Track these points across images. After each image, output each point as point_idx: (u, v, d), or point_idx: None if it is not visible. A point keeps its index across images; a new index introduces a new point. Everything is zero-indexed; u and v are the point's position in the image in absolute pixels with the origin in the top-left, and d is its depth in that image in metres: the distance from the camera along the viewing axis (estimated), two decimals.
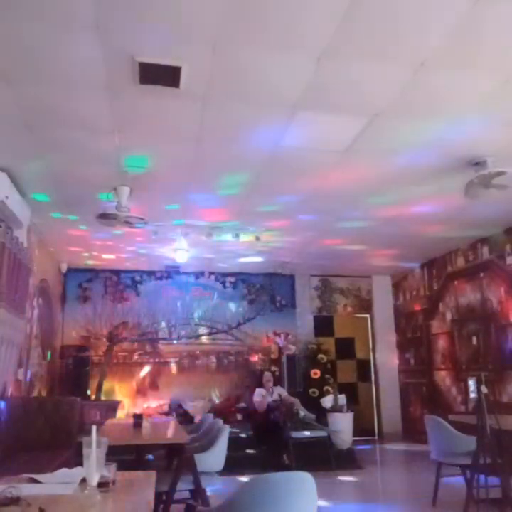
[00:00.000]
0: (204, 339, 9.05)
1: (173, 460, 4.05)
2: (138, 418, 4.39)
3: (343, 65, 3.07)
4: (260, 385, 7.81)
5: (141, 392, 8.63)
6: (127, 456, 3.67)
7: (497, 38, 2.84)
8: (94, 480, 1.84)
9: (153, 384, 8.71)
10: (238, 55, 2.96)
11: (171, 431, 4.42)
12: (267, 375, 7.89)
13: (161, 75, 3.11)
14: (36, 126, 3.78)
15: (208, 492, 3.99)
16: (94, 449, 1.84)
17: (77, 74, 3.12)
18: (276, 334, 9.14)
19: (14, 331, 5.61)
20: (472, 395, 7.30)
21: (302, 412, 7.26)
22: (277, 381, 8.25)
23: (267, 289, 9.37)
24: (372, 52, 2.95)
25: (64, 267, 8.44)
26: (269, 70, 3.11)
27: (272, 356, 9.06)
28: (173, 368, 8.85)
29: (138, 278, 9.00)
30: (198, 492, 3.82)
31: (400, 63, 3.06)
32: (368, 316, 9.84)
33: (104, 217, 4.96)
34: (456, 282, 7.88)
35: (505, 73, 3.16)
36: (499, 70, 3.14)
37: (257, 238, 6.67)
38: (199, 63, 3.02)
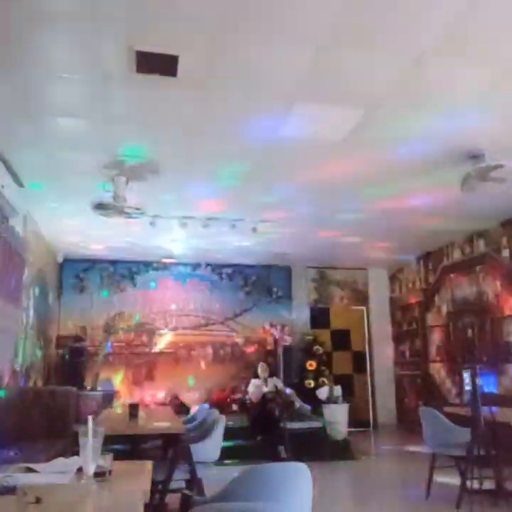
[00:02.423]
0: (200, 330, 9.06)
1: (169, 450, 4.06)
2: (134, 408, 4.40)
3: (342, 56, 3.05)
4: (256, 375, 7.85)
5: (137, 382, 8.65)
6: (124, 445, 3.68)
7: (496, 31, 2.82)
8: (91, 469, 1.84)
9: (149, 374, 8.72)
10: (236, 45, 2.94)
11: (167, 421, 4.44)
12: (263, 365, 7.92)
13: (158, 64, 3.09)
14: (32, 115, 3.75)
15: (204, 482, 4.01)
16: (90, 439, 1.84)
17: (73, 62, 3.09)
18: (272, 325, 9.15)
19: (10, 321, 5.60)
20: (467, 387, 7.35)
21: (298, 403, 7.30)
22: (273, 372, 8.28)
23: (264, 281, 9.38)
24: (371, 43, 2.93)
25: (60, 257, 8.41)
26: (268, 60, 3.09)
27: (268, 347, 9.07)
28: (170, 358, 8.86)
29: (134, 269, 8.98)
30: (193, 482, 3.84)
31: (398, 55, 3.04)
32: (363, 308, 9.87)
33: (100, 207, 4.94)
34: (452, 275, 7.90)
35: (503, 66, 3.15)
36: (498, 63, 3.13)
37: (254, 229, 6.66)
38: (196, 53, 2.99)
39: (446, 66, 3.16)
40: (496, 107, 3.67)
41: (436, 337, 8.35)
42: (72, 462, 2.07)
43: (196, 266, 9.17)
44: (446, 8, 2.64)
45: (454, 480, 4.61)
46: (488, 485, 4.21)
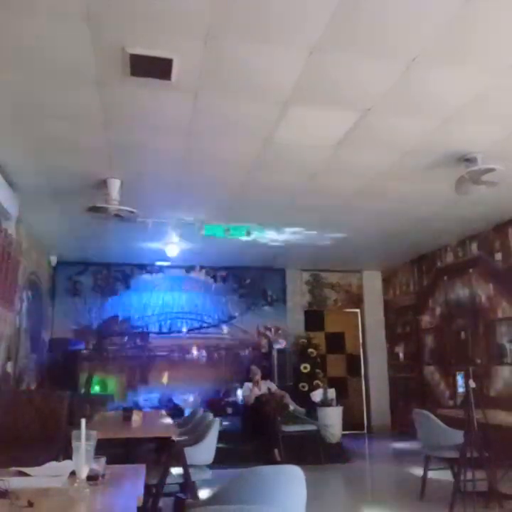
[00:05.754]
0: (194, 333, 9.04)
1: (163, 453, 4.05)
2: (127, 412, 4.38)
3: (335, 60, 3.07)
4: (249, 379, 7.83)
5: (131, 385, 8.62)
6: (117, 449, 3.66)
7: (488, 35, 2.85)
8: (84, 473, 1.84)
9: (143, 378, 8.70)
10: (230, 48, 2.95)
11: (161, 424, 4.42)
12: (254, 368, 7.89)
13: (152, 67, 3.09)
14: (25, 119, 3.74)
15: (198, 485, 4.01)
16: (83, 442, 1.84)
17: (66, 65, 3.08)
18: (266, 328, 9.16)
19: (3, 324, 5.58)
20: (460, 390, 7.38)
21: (292, 406, 7.29)
22: (267, 375, 8.27)
23: (258, 284, 9.38)
24: (364, 47, 2.94)
25: (54, 260, 8.38)
26: (261, 64, 3.10)
27: (263, 350, 9.08)
28: (164, 361, 8.84)
29: (128, 271, 8.96)
30: (187, 485, 3.84)
31: (391, 59, 3.05)
32: (358, 310, 9.89)
33: (94, 209, 4.92)
34: (445, 278, 7.93)
35: (496, 70, 3.17)
36: (490, 67, 3.15)
37: (248, 233, 6.66)
38: (191, 56, 3.00)
39: (439, 70, 3.17)
40: (488, 110, 3.69)
41: (429, 339, 8.37)
42: (65, 466, 2.06)
43: (190, 268, 9.17)
44: (439, 12, 2.66)
45: (448, 482, 4.62)
46: (481, 487, 4.22)
